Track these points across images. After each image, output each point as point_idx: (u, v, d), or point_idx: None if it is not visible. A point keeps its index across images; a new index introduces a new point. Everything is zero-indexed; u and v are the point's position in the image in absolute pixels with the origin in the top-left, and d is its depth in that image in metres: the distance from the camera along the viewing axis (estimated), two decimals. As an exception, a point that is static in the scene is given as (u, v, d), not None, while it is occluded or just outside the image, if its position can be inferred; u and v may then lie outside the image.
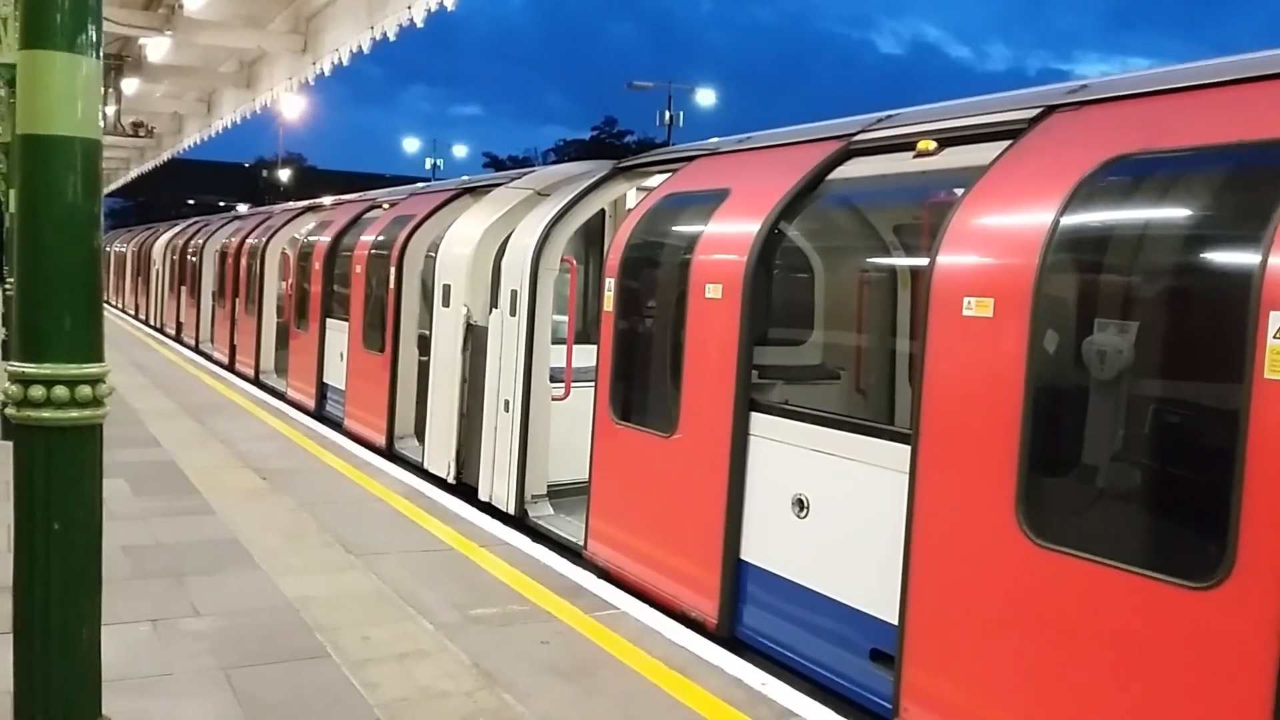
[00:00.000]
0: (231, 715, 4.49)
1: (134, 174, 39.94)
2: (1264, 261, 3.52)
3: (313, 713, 4.56)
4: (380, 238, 12.13)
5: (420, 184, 15.19)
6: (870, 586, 5.22)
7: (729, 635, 6.03)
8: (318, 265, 13.96)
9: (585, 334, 9.51)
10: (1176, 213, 4.47)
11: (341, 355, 12.91)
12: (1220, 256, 4.27)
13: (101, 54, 3.31)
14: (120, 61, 20.31)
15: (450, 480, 9.62)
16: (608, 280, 7.41)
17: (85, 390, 3.21)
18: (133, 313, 33.02)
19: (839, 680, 5.42)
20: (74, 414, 3.20)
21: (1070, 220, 4.31)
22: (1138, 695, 3.83)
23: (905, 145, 5.79)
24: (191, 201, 72.43)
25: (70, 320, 3.22)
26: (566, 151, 71.42)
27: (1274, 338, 3.45)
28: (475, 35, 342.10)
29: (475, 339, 9.48)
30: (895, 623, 4.83)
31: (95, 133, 3.27)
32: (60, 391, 3.16)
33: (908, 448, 4.80)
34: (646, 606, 6.15)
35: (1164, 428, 4.45)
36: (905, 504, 4.77)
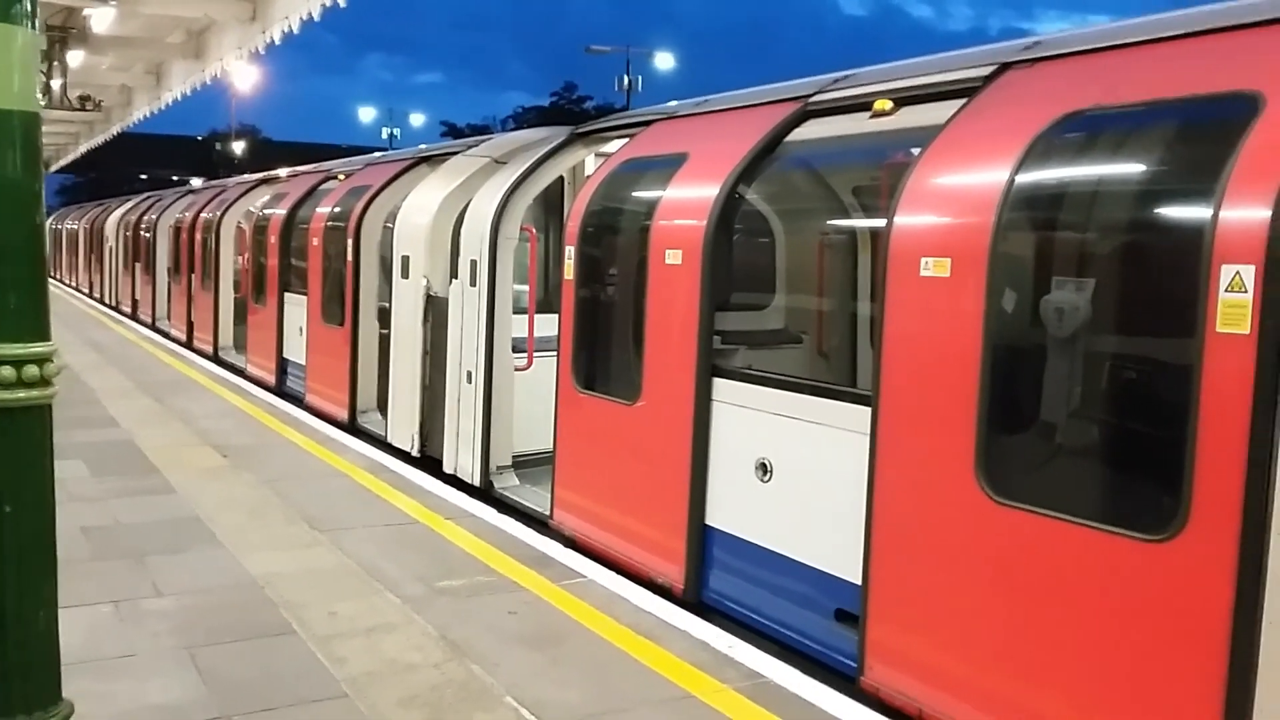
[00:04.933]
0: (197, 694, 4.46)
1: (83, 149, 39.10)
2: (1215, 215, 3.55)
3: (280, 689, 4.54)
4: (336, 209, 11.98)
5: (377, 154, 15.00)
6: (834, 548, 5.26)
7: (695, 600, 6.06)
8: (274, 239, 13.78)
9: (547, 303, 9.46)
10: (1130, 168, 4.49)
11: (301, 330, 12.78)
12: (1173, 211, 4.30)
13: (37, 24, 3.21)
14: (64, 34, 19.82)
15: (414, 453, 9.58)
16: (567, 248, 7.37)
17: (32, 370, 3.13)
18: (87, 291, 32.51)
19: (805, 641, 5.47)
20: (21, 394, 3.12)
21: (1025, 178, 4.33)
22: (1098, 647, 3.90)
23: (862, 106, 5.78)
24: (144, 176, 71.15)
25: (14, 299, 3.13)
26: (525, 119, 70.77)
27: (1225, 291, 3.48)
28: (435, 1, 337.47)
29: (436, 310, 9.41)
30: (859, 583, 4.87)
31: (33, 105, 3.18)
32: (6, 372, 3.09)
33: (869, 409, 4.83)
34: (613, 574, 6.18)
35: (1119, 384, 4.50)
36: (867, 465, 4.80)
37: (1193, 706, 3.61)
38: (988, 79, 4.93)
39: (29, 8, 3.13)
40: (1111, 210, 4.54)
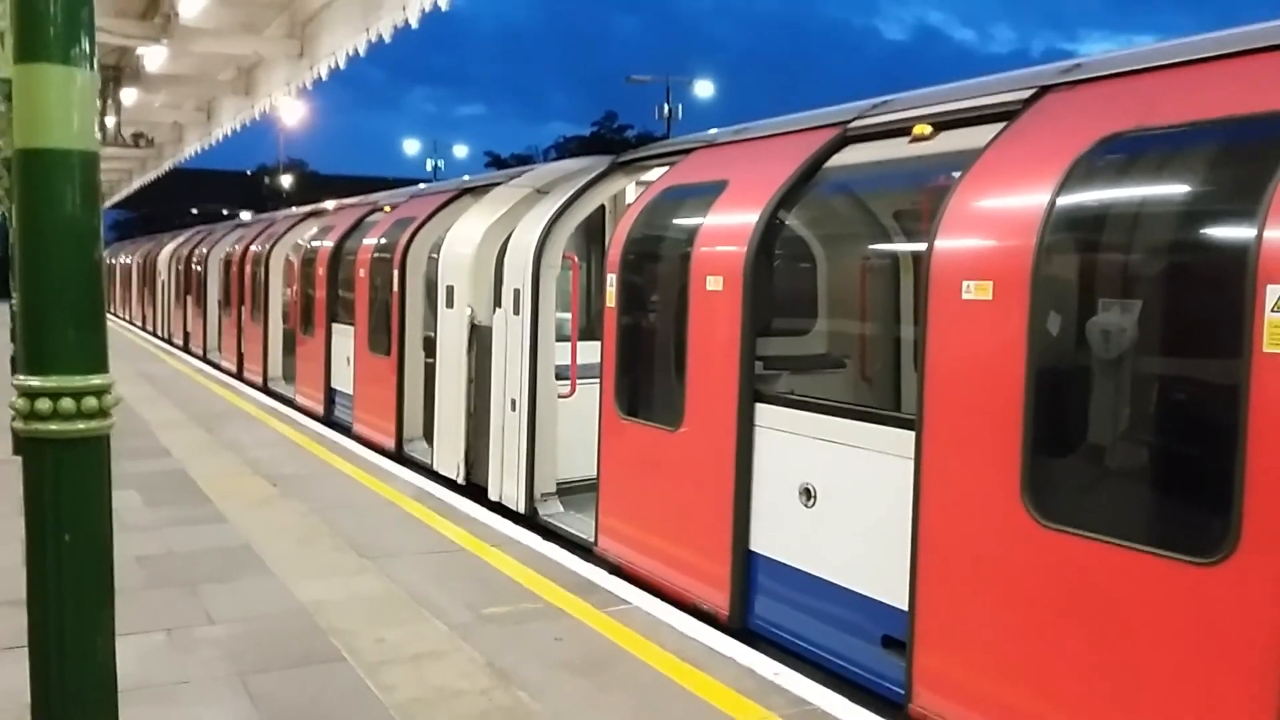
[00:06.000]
0: (248, 720, 4.53)
1: (136, 185, 40.05)
2: (1259, 235, 3.52)
3: (329, 716, 4.59)
4: (383, 241, 12.16)
5: (422, 185, 15.21)
6: (879, 573, 5.23)
7: (741, 626, 6.04)
8: (321, 270, 14.00)
9: (590, 331, 9.52)
10: (1172, 189, 4.46)
11: (348, 360, 12.95)
12: (1217, 231, 4.27)
13: (96, 65, 3.31)
14: (118, 72, 20.37)
15: (460, 481, 9.65)
16: (609, 276, 7.43)
17: (91, 401, 3.22)
18: (140, 324, 33.13)
19: (851, 668, 5.44)
20: (80, 426, 3.20)
21: (1066, 200, 4.32)
22: (1147, 672, 3.84)
23: (901, 130, 5.79)
24: (195, 211, 72.50)
25: (74, 332, 3.22)
26: (567, 148, 71.34)
27: (1272, 311, 3.45)
28: (478, 35, 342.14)
29: (480, 339, 9.50)
30: (905, 608, 4.84)
31: (92, 144, 3.28)
32: (66, 404, 3.17)
33: (912, 434, 4.81)
34: (658, 600, 6.18)
35: (1166, 405, 4.45)
36: (912, 490, 4.78)
37: (1248, 733, 3.54)
38: (1027, 102, 4.93)
39: (87, 50, 3.23)
40: (1155, 232, 4.50)
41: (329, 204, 17.04)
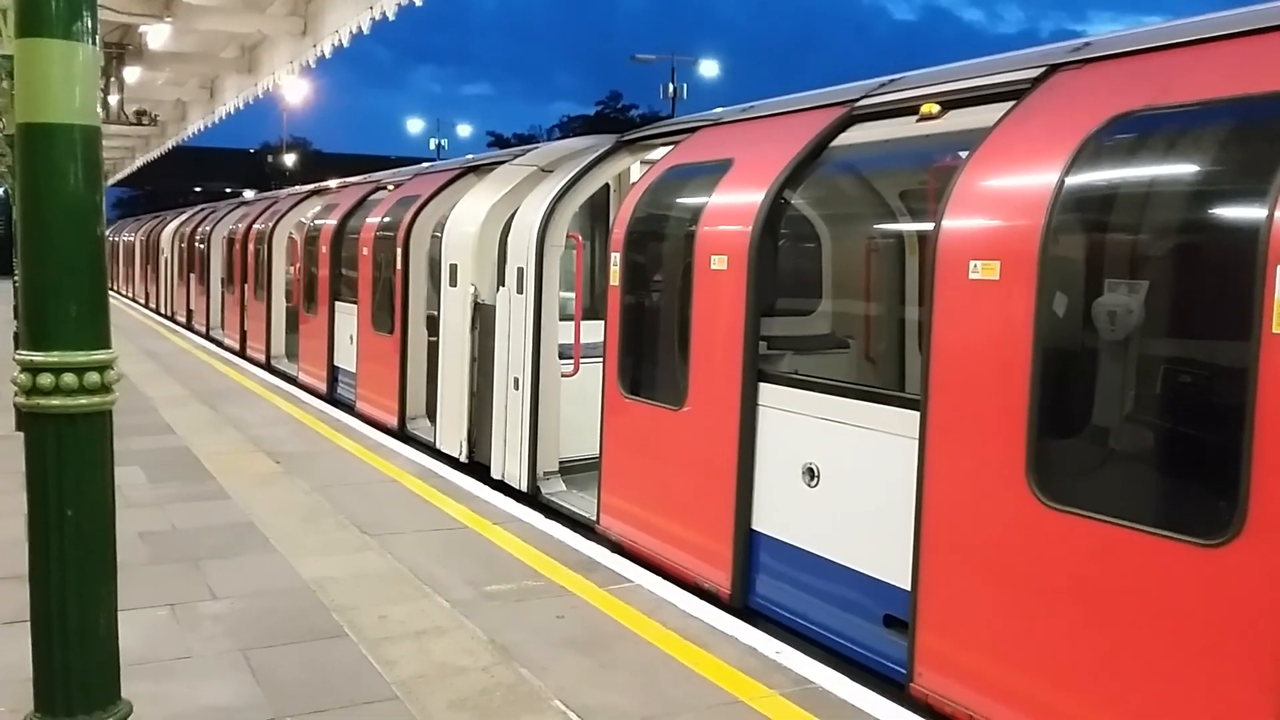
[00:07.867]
0: (251, 695, 4.54)
1: (139, 163, 39.90)
2: (1270, 215, 3.50)
3: (332, 691, 4.60)
4: (386, 219, 12.13)
5: (425, 164, 15.16)
6: (882, 553, 5.23)
7: (743, 605, 6.05)
8: (325, 249, 13.97)
9: (593, 310, 9.50)
10: (1182, 169, 4.43)
11: (351, 338, 12.94)
12: (1227, 211, 4.24)
13: (98, 40, 3.29)
14: (121, 50, 20.26)
15: (463, 459, 9.66)
16: (613, 255, 7.40)
17: (94, 377, 3.21)
18: (143, 301, 33.15)
19: (853, 647, 5.44)
20: (83, 401, 3.20)
21: (1075, 180, 4.28)
22: (1151, 654, 3.84)
23: (908, 109, 5.75)
24: (198, 189, 72.42)
25: (76, 308, 3.22)
26: (571, 127, 71.09)
27: None
28: (483, 13, 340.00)
29: (483, 318, 9.49)
30: (908, 588, 4.84)
31: (94, 119, 3.26)
32: (69, 379, 3.17)
33: (917, 414, 4.80)
34: (660, 579, 6.19)
35: (1173, 387, 4.42)
36: (916, 470, 4.77)
37: (1249, 715, 3.54)
38: (1036, 81, 4.89)
39: (89, 25, 3.21)
40: (1164, 212, 4.47)
41: (332, 182, 17.00)
